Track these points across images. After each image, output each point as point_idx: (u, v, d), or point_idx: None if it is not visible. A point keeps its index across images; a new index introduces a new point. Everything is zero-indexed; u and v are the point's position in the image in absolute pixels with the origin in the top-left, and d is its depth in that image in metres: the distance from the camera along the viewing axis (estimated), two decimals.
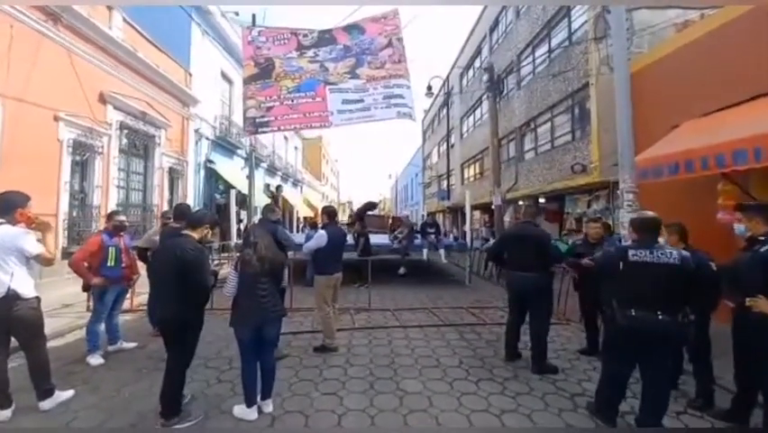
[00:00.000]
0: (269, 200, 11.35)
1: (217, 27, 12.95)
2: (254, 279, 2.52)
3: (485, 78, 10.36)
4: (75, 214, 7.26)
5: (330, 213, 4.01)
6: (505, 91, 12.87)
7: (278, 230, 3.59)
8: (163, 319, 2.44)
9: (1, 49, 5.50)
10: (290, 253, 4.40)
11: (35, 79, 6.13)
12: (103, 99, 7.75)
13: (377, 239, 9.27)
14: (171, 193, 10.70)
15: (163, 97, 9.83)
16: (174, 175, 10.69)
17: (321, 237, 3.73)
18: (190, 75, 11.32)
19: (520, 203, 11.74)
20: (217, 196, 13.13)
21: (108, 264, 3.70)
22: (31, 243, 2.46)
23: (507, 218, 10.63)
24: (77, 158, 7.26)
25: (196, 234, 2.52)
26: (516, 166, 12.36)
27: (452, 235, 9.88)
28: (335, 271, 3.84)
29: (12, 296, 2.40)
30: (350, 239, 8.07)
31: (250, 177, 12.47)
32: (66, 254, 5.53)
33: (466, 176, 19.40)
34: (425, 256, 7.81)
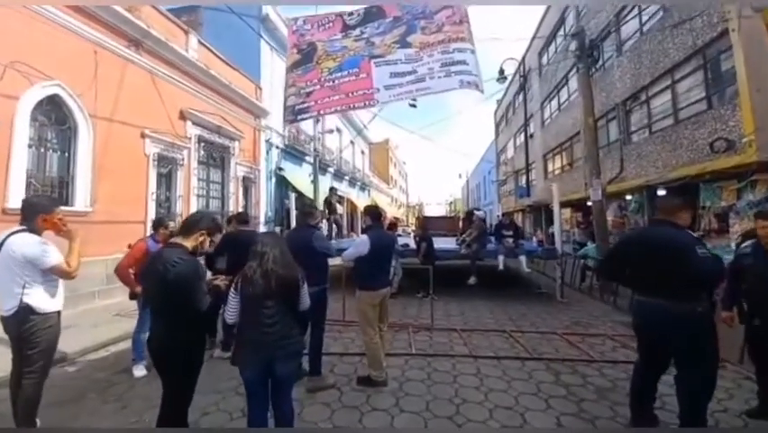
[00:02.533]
0: (324, 203, 11.41)
1: (283, 41, 13.46)
2: (257, 301, 1.88)
3: (573, 47, 8.53)
4: None
5: (373, 214, 3.26)
6: (600, 61, 10.60)
7: (313, 235, 2.97)
8: (151, 350, 1.95)
9: (89, 74, 6.13)
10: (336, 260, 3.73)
11: (122, 101, 6.77)
12: (183, 116, 8.41)
13: (443, 243, 8.25)
14: (246, 200, 11.32)
15: (236, 111, 10.41)
16: (247, 183, 11.29)
17: (361, 244, 3.01)
18: (260, 89, 11.90)
19: (628, 198, 9.37)
20: (287, 202, 13.60)
21: None
22: (43, 253, 2.19)
23: (610, 217, 8.53)
24: (162, 170, 7.94)
25: (188, 243, 2.00)
26: (620, 151, 9.95)
27: (535, 239, 8.19)
28: (381, 285, 3.08)
29: (24, 310, 2.16)
30: (412, 243, 7.25)
31: (314, 181, 12.67)
32: None
33: (550, 169, 16.86)
34: (500, 265, 6.48)
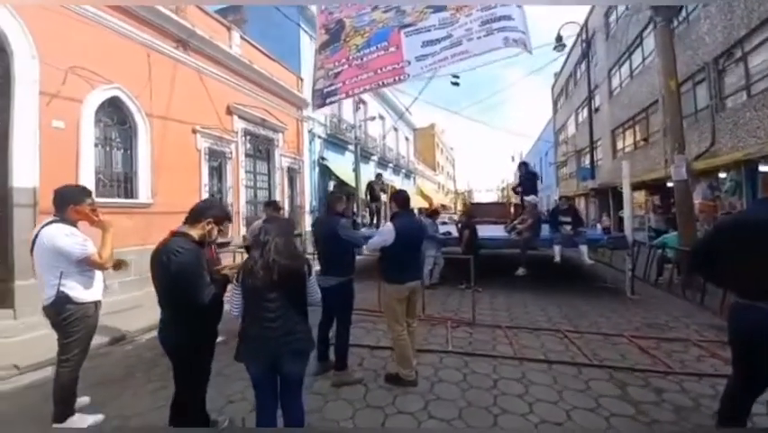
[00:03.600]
0: (366, 189, 11.21)
1: None
2: (259, 294, 1.73)
3: None
4: None
5: (400, 199, 2.92)
6: (683, 12, 8.87)
7: (339, 224, 2.78)
8: (161, 342, 1.91)
9: (143, 76, 6.58)
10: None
11: (174, 100, 7.21)
12: (229, 111, 8.78)
13: (491, 231, 7.65)
14: (291, 190, 11.68)
15: (279, 103, 10.66)
16: (292, 173, 11.61)
17: (386, 232, 2.75)
18: (302, 80, 12.03)
19: (721, 176, 7.78)
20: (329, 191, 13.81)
21: None
22: (72, 245, 2.24)
23: (697, 200, 7.18)
24: (213, 163, 8.42)
25: (194, 232, 1.91)
26: (711, 119, 8.27)
27: (600, 226, 7.12)
28: (409, 277, 2.79)
29: (61, 299, 2.26)
30: (455, 232, 6.81)
31: (356, 170, 12.63)
32: None
33: (619, 146, 14.84)
34: (556, 256, 5.74)
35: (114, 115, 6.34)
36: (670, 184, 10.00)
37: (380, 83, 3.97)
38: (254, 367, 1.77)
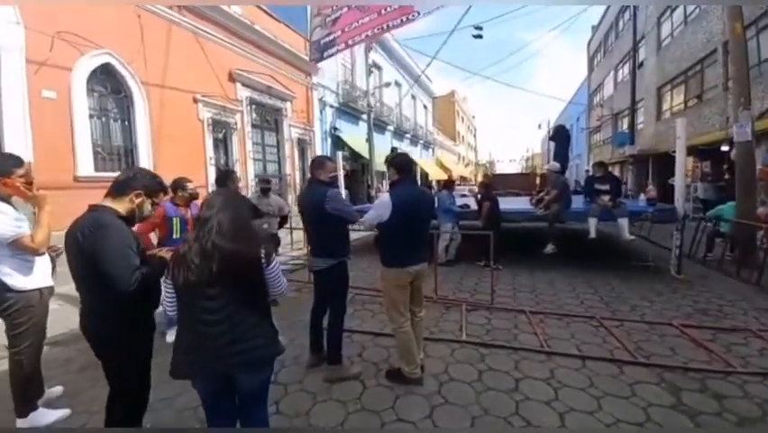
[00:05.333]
0: (385, 161, 10.65)
1: None
2: (195, 291, 1.30)
3: None
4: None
5: (399, 164, 2.31)
6: None
7: (327, 195, 2.27)
8: (84, 336, 1.55)
9: (136, 40, 6.11)
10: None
11: (171, 66, 6.75)
12: (232, 78, 8.25)
13: (514, 204, 6.95)
14: (302, 162, 11.24)
15: (286, 69, 9.98)
16: (303, 145, 11.12)
17: (381, 206, 2.23)
18: (310, 42, 11.19)
19: None
20: (344, 163, 13.26)
21: (174, 237, 3.36)
22: (1, 225, 1.85)
23: (760, 165, 6.12)
24: (218, 135, 8.03)
25: (119, 206, 1.49)
26: None
27: (644, 196, 6.21)
28: (412, 260, 2.27)
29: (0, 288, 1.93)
30: (473, 204, 6.19)
31: (369, 140, 11.95)
32: None
33: (666, 106, 13.21)
34: (592, 231, 5.02)
35: (108, 84, 5.99)
36: (724, 148, 8.76)
37: (385, 26, 3.33)
38: (199, 384, 1.38)
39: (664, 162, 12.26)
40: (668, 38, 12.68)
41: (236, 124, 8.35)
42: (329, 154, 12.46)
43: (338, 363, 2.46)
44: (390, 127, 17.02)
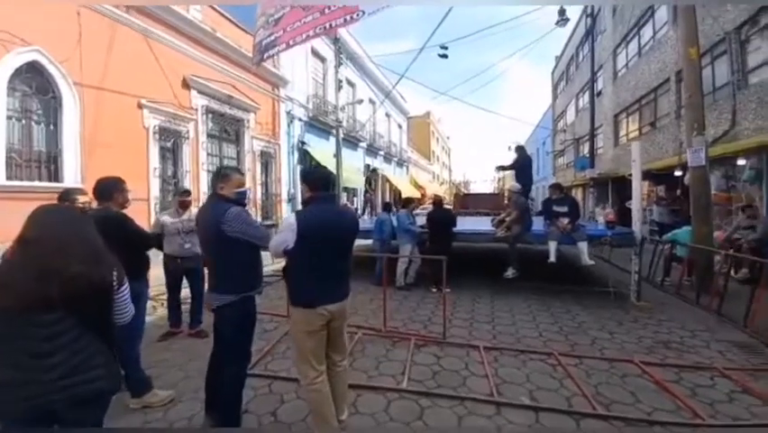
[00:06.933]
0: (365, 181, 10.43)
1: None
2: (21, 321, 1.10)
3: None
4: (169, 198, 7.52)
5: (312, 180, 1.94)
6: None
7: (226, 213, 1.84)
8: None
9: (72, 38, 5.56)
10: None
11: (113, 68, 6.19)
12: (186, 84, 7.75)
13: (478, 224, 6.77)
14: (266, 176, 10.71)
15: (250, 80, 9.58)
16: (266, 158, 10.61)
17: (287, 227, 1.82)
18: (278, 55, 10.90)
19: (740, 162, 6.86)
20: None
21: None
22: None
23: (714, 190, 6.28)
24: (167, 144, 7.43)
25: None
26: (732, 98, 7.31)
27: (602, 219, 6.23)
28: (327, 298, 1.85)
29: None
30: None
31: (337, 155, 11.66)
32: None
33: (622, 132, 13.89)
34: (551, 256, 4.87)
35: (33, 83, 5.34)
36: (677, 173, 9.14)
37: (329, 25, 3.05)
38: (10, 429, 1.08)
39: (622, 185, 12.77)
40: (623, 68, 13.48)
41: (189, 132, 7.78)
42: (296, 169, 12.01)
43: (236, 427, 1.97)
44: (363, 144, 16.86)
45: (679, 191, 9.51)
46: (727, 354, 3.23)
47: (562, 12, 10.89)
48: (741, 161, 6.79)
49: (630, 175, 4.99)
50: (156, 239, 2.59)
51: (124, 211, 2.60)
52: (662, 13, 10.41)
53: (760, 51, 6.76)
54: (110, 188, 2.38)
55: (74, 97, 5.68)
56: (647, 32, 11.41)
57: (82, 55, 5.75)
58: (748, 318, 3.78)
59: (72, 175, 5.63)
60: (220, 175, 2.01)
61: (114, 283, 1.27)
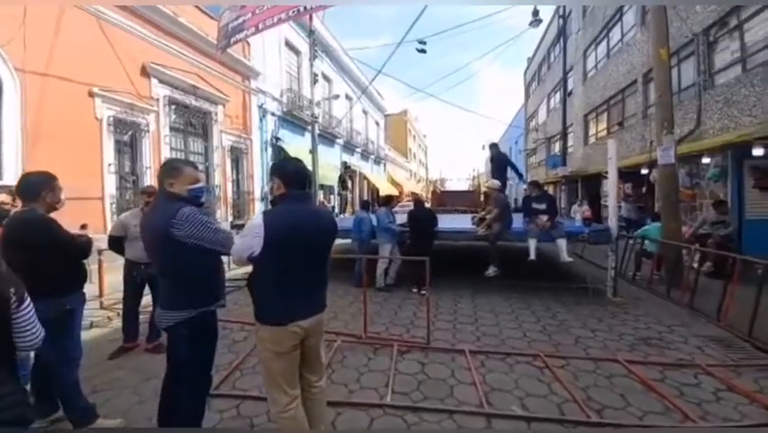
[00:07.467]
0: (342, 178, 10.11)
1: None
2: None
3: None
4: (127, 197, 6.88)
5: (286, 174, 1.64)
6: None
7: (177, 215, 1.53)
8: None
9: (15, 20, 4.91)
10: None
11: (60, 53, 5.54)
12: (145, 72, 7.11)
13: (458, 222, 6.67)
14: (237, 173, 10.15)
15: (217, 69, 8.99)
16: (237, 154, 10.06)
17: (252, 230, 1.52)
18: (248, 44, 10.33)
19: (705, 161, 7.18)
20: None
21: None
22: None
23: (681, 188, 6.51)
24: (123, 137, 6.79)
25: None
26: (698, 98, 7.60)
27: (579, 216, 6.34)
28: (299, 313, 1.57)
29: None
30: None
31: (313, 151, 11.25)
32: None
33: (592, 132, 14.37)
34: (531, 253, 4.83)
35: None
36: (644, 171, 9.51)
37: (303, 7, 2.76)
38: None
39: (592, 183, 13.23)
40: (593, 70, 13.93)
41: (148, 125, 7.16)
42: (269, 165, 11.48)
43: None
44: (340, 141, 16.48)
45: (644, 189, 9.89)
46: (706, 350, 3.27)
47: (535, 12, 11.06)
48: (706, 160, 7.11)
49: (606, 173, 5.05)
50: (90, 244, 2.20)
51: (58, 213, 2.20)
52: (630, 17, 10.79)
53: (727, 52, 7.07)
54: (36, 186, 1.98)
55: (15, 84, 5.03)
56: (616, 34, 11.81)
57: (26, 38, 5.10)
58: (721, 313, 3.87)
59: (12, 169, 4.98)
60: (169, 169, 1.69)
61: (13, 301, 1.14)
